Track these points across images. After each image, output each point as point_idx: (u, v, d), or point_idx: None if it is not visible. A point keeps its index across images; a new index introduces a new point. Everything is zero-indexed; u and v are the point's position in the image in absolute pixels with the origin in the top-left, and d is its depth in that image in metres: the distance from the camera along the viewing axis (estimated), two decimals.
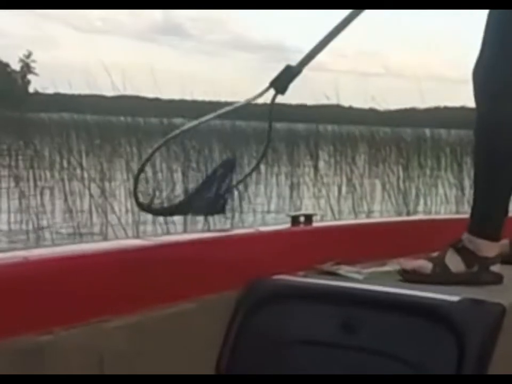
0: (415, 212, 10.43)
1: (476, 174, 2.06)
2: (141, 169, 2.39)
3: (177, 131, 2.10)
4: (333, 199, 10.73)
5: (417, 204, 11.05)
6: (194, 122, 2.14)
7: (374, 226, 2.55)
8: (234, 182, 2.08)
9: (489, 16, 1.99)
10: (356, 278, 1.99)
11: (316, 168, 13.19)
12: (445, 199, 11.27)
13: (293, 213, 2.27)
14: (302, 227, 2.22)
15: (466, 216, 2.07)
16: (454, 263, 1.97)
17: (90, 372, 1.54)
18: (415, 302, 1.75)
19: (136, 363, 1.64)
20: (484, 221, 2.00)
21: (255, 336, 1.85)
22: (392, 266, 2.08)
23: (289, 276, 1.95)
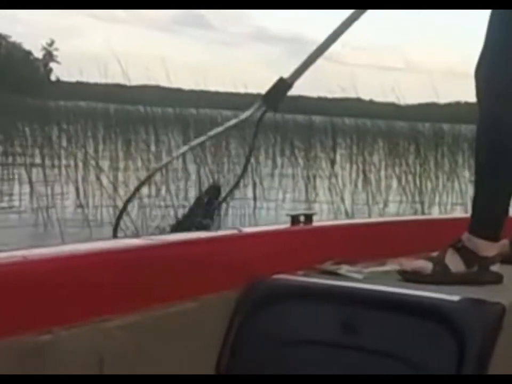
0: (431, 206, 10.34)
1: (477, 173, 2.05)
2: (129, 199, 2.39)
3: (185, 147, 2.11)
4: (347, 193, 10.68)
5: (433, 199, 10.97)
6: (201, 138, 2.16)
7: (374, 226, 2.55)
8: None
9: (492, 15, 1.99)
10: (355, 277, 1.99)
11: (332, 161, 13.08)
12: (461, 196, 11.17)
13: (293, 213, 2.27)
14: (302, 227, 2.21)
15: (467, 216, 2.07)
16: (454, 263, 1.97)
17: (90, 372, 1.54)
18: (415, 302, 1.75)
19: (136, 363, 1.64)
20: (484, 220, 2.00)
21: (255, 336, 1.85)
22: (392, 266, 2.08)
23: (289, 276, 1.95)
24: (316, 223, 2.28)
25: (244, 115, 2.27)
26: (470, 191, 10.91)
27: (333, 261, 2.09)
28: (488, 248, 1.97)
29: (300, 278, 1.96)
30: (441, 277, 1.95)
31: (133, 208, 7.22)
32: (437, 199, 11.08)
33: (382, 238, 2.32)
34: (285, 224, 2.26)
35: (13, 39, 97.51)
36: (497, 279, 1.97)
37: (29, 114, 14.96)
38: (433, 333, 1.67)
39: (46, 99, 19.18)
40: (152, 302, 1.68)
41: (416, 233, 2.45)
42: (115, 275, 1.63)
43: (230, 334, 1.84)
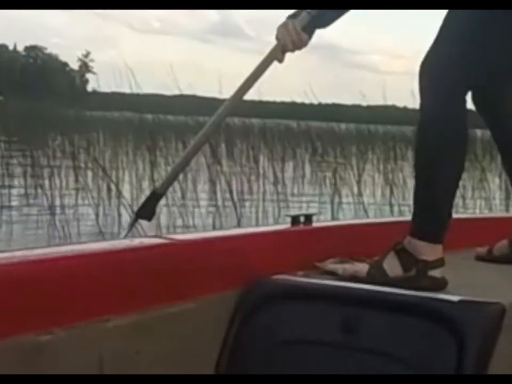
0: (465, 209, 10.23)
1: (415, 174, 1.98)
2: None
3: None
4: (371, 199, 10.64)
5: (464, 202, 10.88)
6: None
7: (374, 226, 2.55)
8: None
9: (447, 15, 1.94)
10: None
11: (361, 169, 12.98)
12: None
13: (293, 213, 2.27)
14: (302, 227, 2.22)
15: (467, 216, 2.07)
16: (392, 266, 1.91)
17: (90, 372, 1.54)
18: (415, 302, 1.75)
19: (136, 363, 1.64)
20: (422, 221, 1.93)
21: (255, 336, 1.85)
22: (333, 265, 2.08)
23: (289, 276, 1.95)
24: (316, 223, 2.28)
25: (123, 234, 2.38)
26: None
27: (333, 260, 2.09)
28: (427, 251, 1.89)
29: (299, 278, 1.96)
30: (376, 281, 1.88)
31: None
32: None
33: (382, 238, 2.32)
34: (285, 224, 2.26)
35: (48, 50, 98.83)
36: (436, 285, 1.86)
37: (68, 125, 15.01)
38: (433, 333, 1.67)
39: (83, 109, 19.18)
40: (152, 302, 1.68)
41: None
42: (115, 275, 1.63)
43: (230, 334, 1.84)
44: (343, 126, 15.83)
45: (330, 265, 2.05)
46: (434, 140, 1.90)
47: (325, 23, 2.16)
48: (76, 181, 10.06)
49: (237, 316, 1.85)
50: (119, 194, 8.57)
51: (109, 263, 1.65)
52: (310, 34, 2.07)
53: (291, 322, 1.83)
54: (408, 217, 2.08)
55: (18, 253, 1.62)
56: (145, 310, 1.66)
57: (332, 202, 9.98)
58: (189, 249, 1.86)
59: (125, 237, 2.12)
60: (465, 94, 1.93)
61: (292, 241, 2.13)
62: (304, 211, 8.90)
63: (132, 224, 2.09)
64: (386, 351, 1.68)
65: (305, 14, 2.05)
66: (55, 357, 1.49)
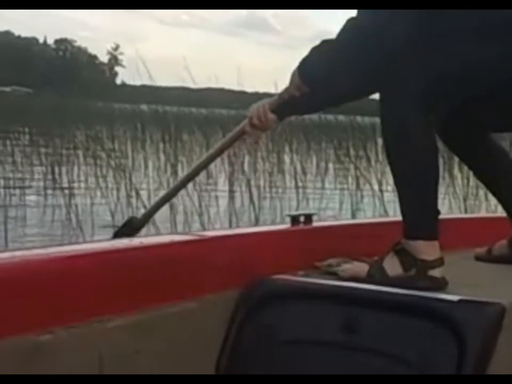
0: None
1: (393, 177, 1.95)
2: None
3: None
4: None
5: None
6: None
7: (374, 226, 2.55)
8: None
9: None
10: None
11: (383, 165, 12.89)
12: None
13: (293, 213, 2.27)
14: (302, 227, 2.22)
15: (468, 215, 2.07)
16: (391, 266, 1.91)
17: (90, 372, 1.54)
18: (415, 302, 1.75)
19: (136, 363, 1.64)
20: (412, 222, 1.92)
21: (255, 336, 1.85)
22: (331, 264, 2.08)
23: (289, 276, 1.95)
24: (316, 223, 2.28)
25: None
26: None
27: (333, 260, 2.09)
28: (426, 250, 1.89)
29: (300, 278, 1.96)
30: (376, 280, 1.89)
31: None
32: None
33: (382, 238, 2.32)
34: (285, 224, 2.26)
35: (78, 43, 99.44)
36: (436, 285, 1.86)
37: (98, 117, 15.02)
38: (433, 333, 1.67)
39: (111, 102, 19.18)
40: (152, 302, 1.68)
41: None
42: (115, 275, 1.63)
43: (230, 334, 1.84)
44: (366, 119, 15.78)
45: (330, 267, 2.04)
46: (400, 136, 1.88)
47: (299, 111, 2.25)
48: (96, 175, 9.97)
49: (237, 316, 1.85)
50: (137, 195, 8.51)
51: (109, 263, 1.65)
52: (281, 117, 2.14)
53: (291, 322, 1.83)
54: None
55: (18, 253, 1.62)
56: (146, 309, 1.66)
57: (352, 197, 9.90)
58: (189, 249, 1.86)
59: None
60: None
61: (292, 241, 2.13)
62: (324, 205, 8.95)
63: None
64: (386, 351, 1.68)
65: (276, 97, 2.11)
66: (55, 357, 1.49)
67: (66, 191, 8.72)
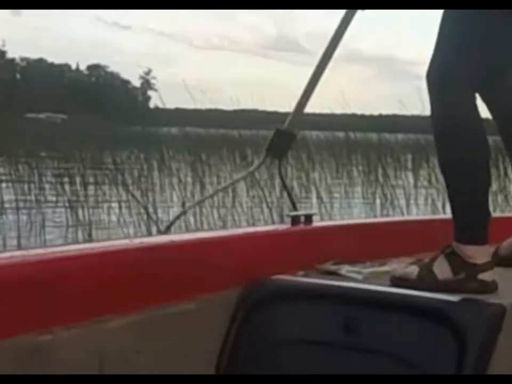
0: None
1: (445, 182, 1.97)
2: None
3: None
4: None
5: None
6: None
7: (374, 226, 2.55)
8: None
9: (444, 16, 1.93)
10: (355, 278, 1.99)
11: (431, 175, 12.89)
12: None
13: (293, 213, 2.27)
14: (302, 227, 2.21)
15: None
16: (441, 269, 1.90)
17: (90, 372, 1.54)
18: (415, 302, 1.75)
19: (136, 363, 1.64)
20: (462, 226, 1.92)
21: (255, 336, 1.85)
22: (392, 266, 2.08)
23: (289, 276, 1.95)
24: (316, 223, 2.28)
25: (252, 168, 2.59)
26: None
27: (333, 261, 2.09)
28: (476, 254, 1.89)
29: (300, 278, 1.96)
30: (426, 283, 1.88)
31: None
32: None
33: (382, 238, 2.32)
34: (285, 225, 2.26)
35: (110, 69, 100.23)
36: (486, 288, 1.86)
37: (132, 141, 15.09)
38: (433, 333, 1.67)
39: (145, 126, 19.23)
40: (152, 302, 1.68)
41: (416, 233, 2.44)
42: (115, 275, 1.63)
43: (230, 334, 1.84)
44: (400, 136, 15.82)
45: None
46: (453, 145, 1.90)
47: None
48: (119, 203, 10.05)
49: (237, 316, 1.85)
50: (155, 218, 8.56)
51: (109, 263, 1.65)
52: None
53: (291, 322, 1.83)
54: (407, 217, 2.08)
55: (18, 253, 1.62)
56: (146, 310, 1.66)
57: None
58: (189, 249, 1.86)
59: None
60: (472, 94, 1.93)
61: (292, 241, 2.13)
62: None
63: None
64: (387, 350, 1.68)
65: None
66: (55, 357, 1.49)
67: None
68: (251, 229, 2.30)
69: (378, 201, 11.03)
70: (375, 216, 9.93)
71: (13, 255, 1.59)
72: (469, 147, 1.90)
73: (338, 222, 2.93)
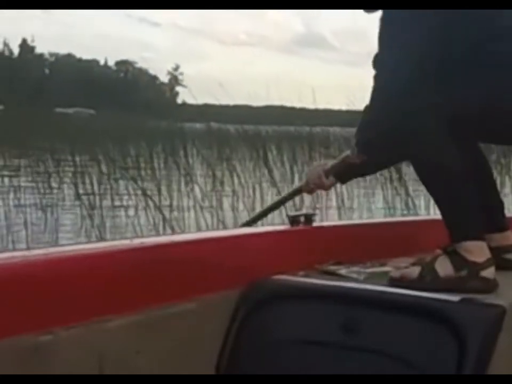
0: None
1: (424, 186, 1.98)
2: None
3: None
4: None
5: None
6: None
7: (374, 226, 2.55)
8: None
9: (383, 15, 1.93)
10: (355, 278, 1.99)
11: None
12: None
13: (293, 213, 2.27)
14: (302, 227, 2.21)
15: None
16: (443, 267, 1.91)
17: (90, 372, 1.54)
18: (415, 302, 1.75)
19: (136, 363, 1.64)
20: (455, 225, 1.93)
21: (255, 336, 1.85)
22: (392, 266, 2.08)
23: (289, 276, 1.95)
24: (316, 223, 2.28)
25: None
26: None
27: (333, 261, 2.09)
28: (476, 251, 1.89)
29: (300, 278, 1.96)
30: (427, 281, 1.89)
31: None
32: None
33: (382, 238, 2.32)
34: (285, 225, 2.26)
35: (138, 65, 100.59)
36: (487, 286, 1.87)
37: (162, 136, 15.06)
38: (433, 333, 1.67)
39: (172, 121, 19.19)
40: (152, 302, 1.68)
41: (417, 233, 2.44)
42: (115, 275, 1.63)
43: (230, 334, 1.84)
44: None
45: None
46: (419, 153, 1.90)
47: (359, 174, 2.36)
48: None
49: (238, 316, 1.85)
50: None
51: (109, 263, 1.65)
52: (343, 180, 2.30)
53: (291, 322, 1.83)
54: (406, 217, 2.08)
55: (18, 253, 1.62)
56: (146, 310, 1.66)
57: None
58: (189, 249, 1.86)
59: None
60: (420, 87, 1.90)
61: (292, 241, 2.13)
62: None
63: None
64: (387, 350, 1.68)
65: (333, 163, 2.25)
66: (55, 357, 1.49)
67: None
68: (251, 229, 2.29)
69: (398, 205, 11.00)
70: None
71: (13, 255, 1.59)
72: (427, 148, 1.90)
73: (339, 222, 2.93)
